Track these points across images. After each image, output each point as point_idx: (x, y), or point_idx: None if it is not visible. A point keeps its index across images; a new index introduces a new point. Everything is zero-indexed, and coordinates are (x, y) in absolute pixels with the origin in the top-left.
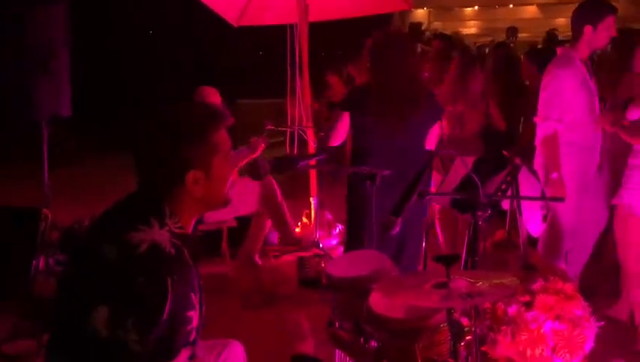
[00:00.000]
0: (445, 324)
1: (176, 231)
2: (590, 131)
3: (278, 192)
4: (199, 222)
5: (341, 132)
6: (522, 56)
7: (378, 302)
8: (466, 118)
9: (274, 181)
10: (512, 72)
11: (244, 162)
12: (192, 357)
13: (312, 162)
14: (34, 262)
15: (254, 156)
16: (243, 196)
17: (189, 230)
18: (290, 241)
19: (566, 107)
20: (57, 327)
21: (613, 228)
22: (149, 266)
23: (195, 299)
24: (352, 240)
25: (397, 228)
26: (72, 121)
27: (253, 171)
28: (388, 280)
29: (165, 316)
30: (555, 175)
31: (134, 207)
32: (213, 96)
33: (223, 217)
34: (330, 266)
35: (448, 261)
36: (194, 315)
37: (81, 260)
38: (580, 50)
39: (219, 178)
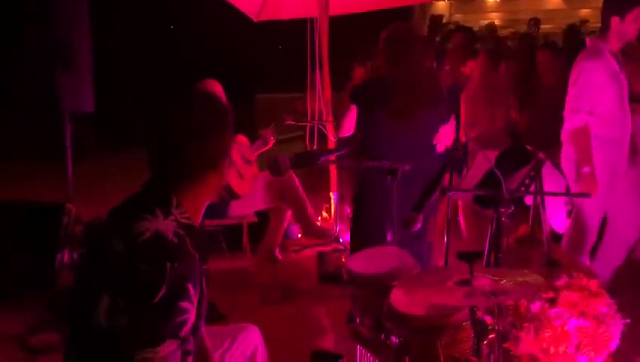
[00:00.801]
0: (468, 322)
1: (183, 221)
2: (619, 125)
3: (299, 186)
4: (219, 216)
5: (348, 124)
6: (540, 50)
7: (399, 299)
8: (495, 114)
9: (294, 175)
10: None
11: (257, 153)
12: (185, 354)
13: (332, 157)
14: (58, 255)
15: (267, 148)
16: (263, 190)
17: (197, 221)
18: (313, 233)
19: (596, 100)
20: (72, 323)
21: None
22: (150, 253)
23: (192, 291)
24: (361, 235)
25: (418, 225)
26: (94, 116)
27: (273, 167)
28: (409, 277)
29: (157, 299)
30: (587, 169)
31: (142, 199)
32: (215, 88)
33: (242, 212)
34: (350, 262)
35: (471, 258)
36: (189, 308)
37: (92, 255)
38: (610, 42)
39: (224, 172)
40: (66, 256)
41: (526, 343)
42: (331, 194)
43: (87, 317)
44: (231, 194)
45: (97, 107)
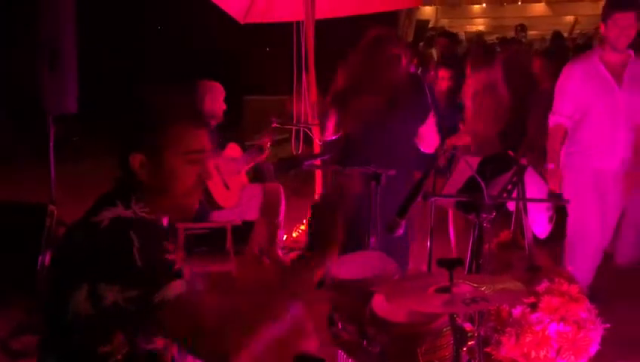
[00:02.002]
0: (448, 328)
1: (142, 214)
2: (605, 131)
3: (283, 203)
4: (200, 220)
5: (329, 127)
6: (535, 57)
7: (381, 305)
8: (491, 118)
9: (282, 190)
10: (524, 68)
11: (253, 163)
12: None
13: (317, 162)
14: (40, 257)
15: (263, 157)
16: (250, 201)
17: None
18: (270, 258)
19: (575, 104)
20: (46, 325)
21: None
22: (112, 232)
23: (170, 245)
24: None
25: (401, 230)
26: (78, 117)
27: (257, 174)
28: (391, 282)
29: (140, 263)
30: (550, 166)
31: (105, 197)
32: (216, 91)
33: (228, 218)
34: (333, 267)
35: (451, 265)
36: (174, 258)
37: (57, 255)
38: (605, 48)
39: (170, 173)
40: (48, 258)
41: (507, 347)
42: (316, 197)
43: (60, 314)
44: (211, 204)
45: (81, 108)
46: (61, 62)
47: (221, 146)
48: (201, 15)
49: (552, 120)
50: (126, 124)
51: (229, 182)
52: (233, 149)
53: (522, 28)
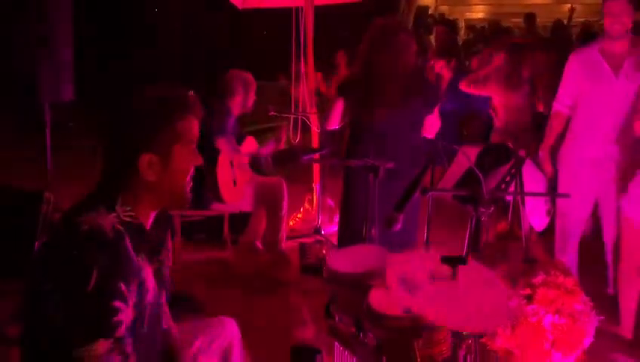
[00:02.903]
0: None
1: (125, 218)
2: (598, 119)
3: (285, 197)
4: (200, 207)
5: (335, 117)
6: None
7: (378, 298)
8: (521, 109)
9: (284, 184)
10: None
11: (269, 151)
12: (125, 356)
13: (316, 156)
14: (36, 244)
15: (280, 147)
16: (245, 193)
17: (146, 222)
18: (273, 252)
19: (571, 92)
20: (22, 321)
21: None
22: (84, 243)
23: (125, 291)
24: (347, 232)
25: (399, 225)
26: (74, 104)
27: (255, 166)
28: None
29: (89, 289)
30: (540, 152)
31: (91, 196)
32: (248, 83)
33: (223, 209)
34: (331, 260)
35: (454, 262)
36: (122, 308)
37: (41, 251)
38: (605, 38)
39: (178, 168)
40: None
41: (502, 339)
42: (314, 185)
43: (41, 314)
44: (217, 198)
45: (82, 93)
46: (57, 49)
47: (238, 140)
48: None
49: (553, 107)
50: (132, 125)
51: (238, 178)
52: (250, 143)
53: (530, 18)
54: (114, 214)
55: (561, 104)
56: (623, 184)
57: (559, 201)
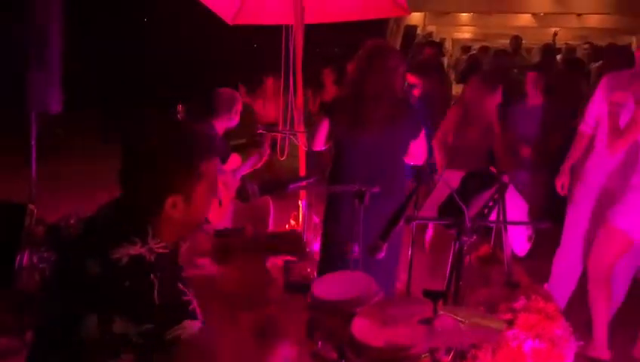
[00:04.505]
0: (427, 355)
1: (159, 251)
2: (604, 149)
3: (272, 215)
4: None
5: (320, 138)
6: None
7: (361, 328)
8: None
9: (270, 202)
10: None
11: (251, 169)
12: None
13: (302, 184)
14: (18, 256)
15: (261, 163)
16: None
17: (174, 249)
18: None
19: (594, 114)
20: (45, 338)
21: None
22: (132, 272)
23: (187, 290)
24: (328, 257)
25: (382, 253)
26: (60, 114)
27: (241, 194)
28: (373, 306)
29: (158, 301)
30: (562, 167)
31: (119, 224)
32: (235, 101)
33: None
34: (315, 286)
35: (436, 296)
36: (192, 299)
37: (65, 274)
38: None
39: (199, 205)
40: (26, 258)
41: None
42: (300, 202)
43: (68, 332)
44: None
45: (68, 103)
46: (46, 60)
47: (224, 159)
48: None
49: (580, 126)
50: (160, 172)
51: (223, 199)
52: (234, 161)
53: (516, 39)
54: (148, 247)
55: (585, 123)
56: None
57: (567, 225)
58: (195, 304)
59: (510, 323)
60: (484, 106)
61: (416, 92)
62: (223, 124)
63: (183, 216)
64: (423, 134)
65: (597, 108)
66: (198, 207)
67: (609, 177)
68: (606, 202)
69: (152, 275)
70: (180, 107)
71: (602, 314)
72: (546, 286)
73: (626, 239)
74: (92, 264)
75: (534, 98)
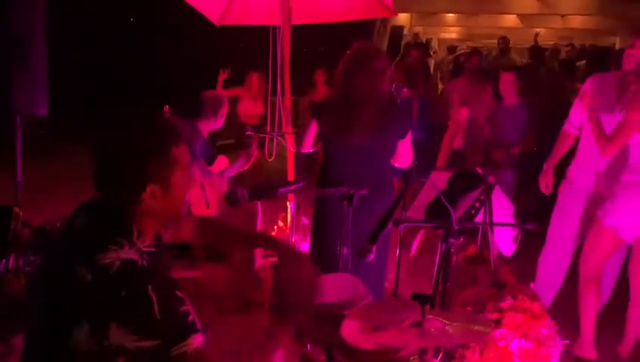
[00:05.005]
0: (415, 357)
1: (146, 250)
2: (589, 150)
3: (259, 216)
4: None
5: (308, 140)
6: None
7: (350, 330)
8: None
9: (258, 204)
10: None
11: (238, 170)
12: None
13: (292, 188)
14: (4, 260)
15: (249, 165)
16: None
17: (159, 246)
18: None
19: (580, 114)
20: (36, 344)
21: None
22: (127, 281)
23: (184, 296)
24: (318, 260)
25: (372, 256)
26: (46, 118)
27: (229, 198)
28: (362, 308)
29: (160, 316)
30: (545, 166)
31: (102, 226)
32: (222, 103)
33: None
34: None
35: (423, 300)
36: (189, 308)
37: (52, 279)
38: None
39: (177, 193)
40: (12, 261)
41: None
42: (288, 203)
43: (60, 342)
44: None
45: (53, 104)
46: (31, 62)
47: (210, 161)
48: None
49: (564, 125)
50: (134, 163)
51: (211, 200)
52: (221, 162)
53: (505, 41)
54: (135, 248)
55: (570, 123)
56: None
57: (552, 225)
58: (193, 313)
59: (497, 323)
60: (479, 105)
61: (405, 91)
62: (208, 126)
63: (163, 205)
64: (409, 136)
65: (582, 109)
66: (177, 194)
67: (595, 177)
68: (593, 203)
69: (149, 287)
70: (166, 109)
71: (590, 313)
72: (532, 285)
73: (615, 237)
74: (81, 270)
75: (510, 98)
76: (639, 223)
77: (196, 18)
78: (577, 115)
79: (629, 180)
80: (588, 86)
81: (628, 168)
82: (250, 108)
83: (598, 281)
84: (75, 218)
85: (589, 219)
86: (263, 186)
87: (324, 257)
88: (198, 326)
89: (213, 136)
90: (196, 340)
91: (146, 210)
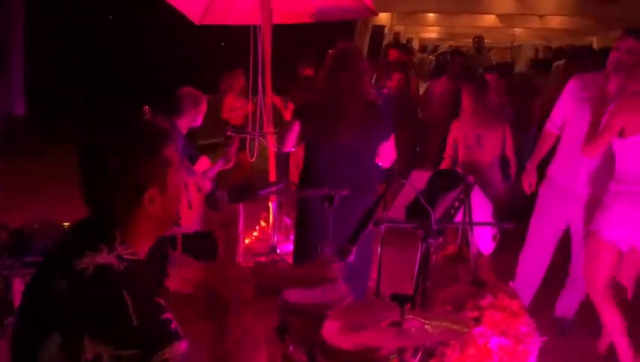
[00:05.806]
0: (395, 356)
1: (127, 256)
2: (570, 149)
3: (241, 217)
4: None
5: (290, 140)
6: (487, 72)
7: (331, 331)
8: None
9: (241, 211)
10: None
11: (218, 170)
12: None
13: (272, 189)
14: None
15: (230, 165)
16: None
17: (142, 256)
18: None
19: (562, 115)
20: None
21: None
22: (99, 285)
23: (163, 303)
24: (301, 258)
25: (352, 257)
26: (24, 116)
27: (209, 201)
28: (343, 309)
29: (136, 323)
30: (528, 165)
31: (84, 234)
32: (201, 102)
33: (177, 231)
34: (286, 291)
35: (403, 300)
36: (170, 316)
37: (33, 292)
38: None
39: (173, 195)
40: None
41: (451, 360)
42: (270, 203)
43: (31, 355)
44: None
45: (32, 104)
46: (9, 63)
47: (191, 160)
48: (154, 11)
49: (546, 125)
50: (130, 169)
51: (193, 201)
52: (203, 163)
53: (480, 40)
54: (115, 253)
55: (551, 123)
56: (589, 212)
57: (533, 223)
58: (174, 321)
59: (477, 321)
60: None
61: (385, 91)
62: (187, 123)
63: (162, 209)
64: (392, 136)
65: (564, 109)
66: (173, 196)
67: (576, 177)
68: (574, 202)
69: (124, 292)
70: (146, 108)
71: (617, 327)
72: (511, 283)
73: (615, 250)
74: (58, 279)
75: (494, 98)
76: (636, 232)
77: (182, 17)
78: (559, 115)
79: (620, 190)
80: (572, 85)
81: (616, 178)
82: (235, 106)
83: (609, 293)
84: (70, 230)
85: (568, 219)
86: (242, 188)
87: (307, 257)
88: (181, 333)
89: (195, 134)
90: (179, 347)
91: (145, 216)
